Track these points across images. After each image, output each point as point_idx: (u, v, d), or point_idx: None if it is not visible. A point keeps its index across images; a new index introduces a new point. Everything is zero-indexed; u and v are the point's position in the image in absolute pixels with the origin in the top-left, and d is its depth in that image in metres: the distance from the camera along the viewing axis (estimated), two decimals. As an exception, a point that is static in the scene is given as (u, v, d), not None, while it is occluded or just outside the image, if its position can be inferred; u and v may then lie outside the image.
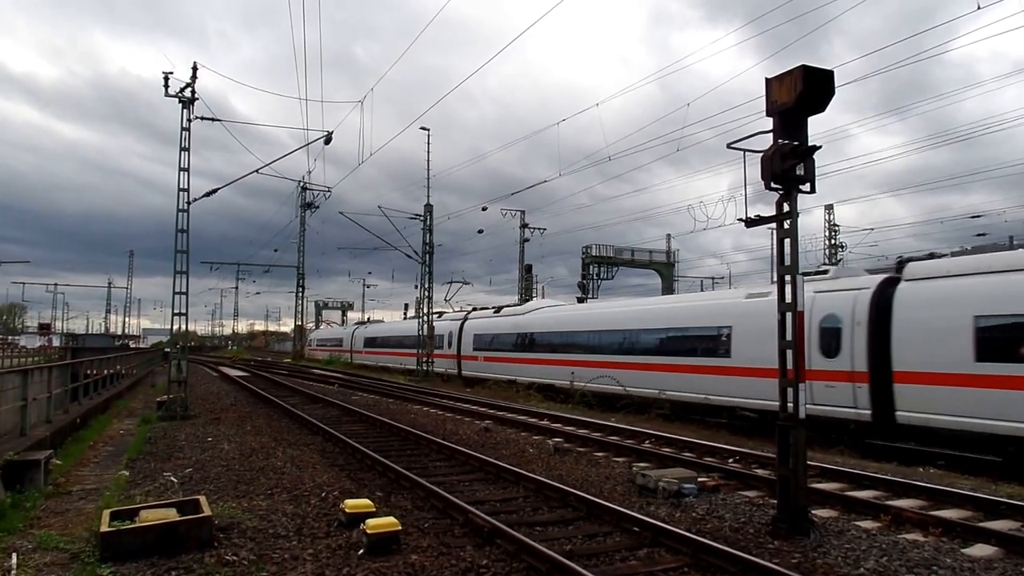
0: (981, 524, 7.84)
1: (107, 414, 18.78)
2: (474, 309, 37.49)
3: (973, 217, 38.42)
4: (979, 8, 12.30)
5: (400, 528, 7.00)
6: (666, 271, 52.96)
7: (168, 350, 31.78)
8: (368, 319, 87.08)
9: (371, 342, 53.09)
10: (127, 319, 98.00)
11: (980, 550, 7.05)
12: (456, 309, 51.99)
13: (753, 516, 8.29)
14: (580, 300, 42.93)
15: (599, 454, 12.81)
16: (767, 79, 7.90)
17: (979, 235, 37.61)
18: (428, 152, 38.40)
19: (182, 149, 18.84)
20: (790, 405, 7.62)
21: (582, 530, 7.69)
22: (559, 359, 25.39)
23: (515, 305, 34.81)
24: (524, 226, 50.57)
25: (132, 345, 66.57)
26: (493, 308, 34.91)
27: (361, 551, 6.71)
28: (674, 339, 19.94)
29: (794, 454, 7.50)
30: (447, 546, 6.98)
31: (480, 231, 49.81)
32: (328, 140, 21.10)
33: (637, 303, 24.94)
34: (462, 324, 35.15)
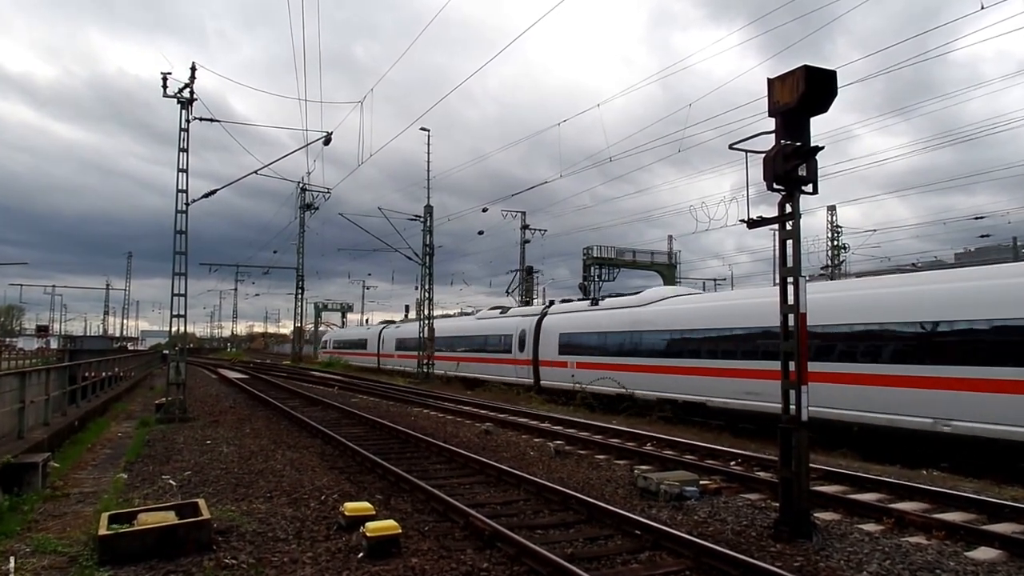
0: (984, 527, 7.80)
1: (105, 416, 18.71)
2: (551, 303, 30.53)
3: (976, 218, 38.22)
4: (983, 8, 12.26)
5: (400, 531, 6.95)
6: (668, 272, 52.90)
7: (166, 352, 31.73)
8: (362, 320, 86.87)
9: (406, 344, 44.47)
10: (125, 321, 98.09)
11: (983, 553, 7.01)
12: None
13: (755, 519, 8.24)
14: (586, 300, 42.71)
15: (600, 457, 12.77)
16: (769, 79, 7.87)
17: (983, 236, 37.49)
18: (428, 153, 38.37)
19: (181, 150, 18.80)
20: (792, 407, 7.59)
21: (583, 533, 7.64)
22: (725, 368, 17.88)
23: (613, 296, 26.91)
24: (525, 227, 50.54)
25: (130, 347, 66.52)
26: (586, 299, 27.68)
27: (361, 554, 6.67)
28: (951, 338, 12.91)
29: (796, 457, 7.46)
30: (447, 549, 6.94)
31: (480, 232, 49.61)
32: (327, 141, 21.06)
33: (857, 284, 17.80)
34: (539, 321, 27.68)
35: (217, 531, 7.26)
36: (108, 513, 7.24)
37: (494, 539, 7.07)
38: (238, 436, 14.94)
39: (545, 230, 51.47)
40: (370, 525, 6.84)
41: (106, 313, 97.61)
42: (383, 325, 54.40)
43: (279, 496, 9.25)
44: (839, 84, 7.62)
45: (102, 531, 6.64)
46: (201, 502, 7.64)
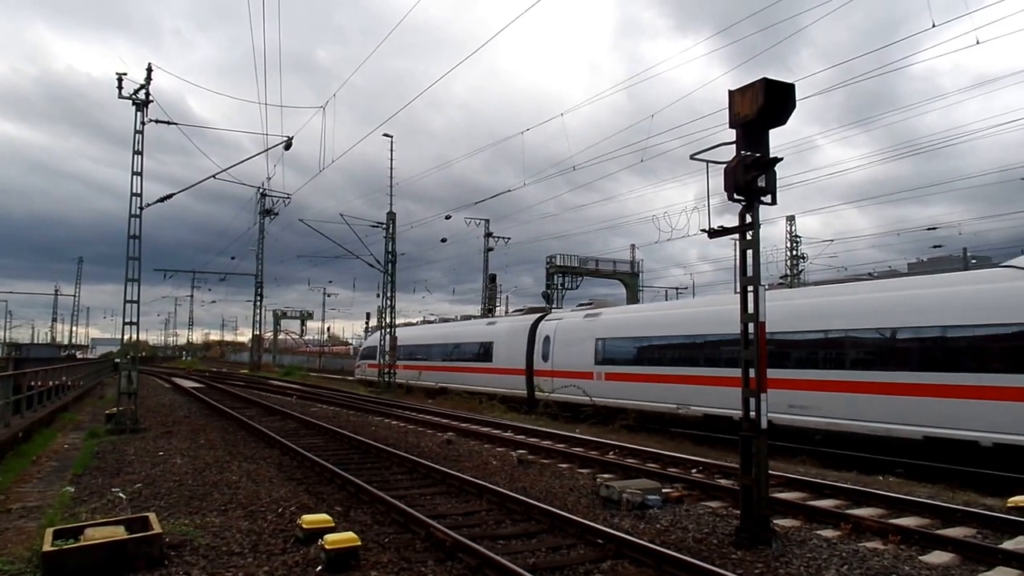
0: (938, 531, 7.99)
1: (52, 427, 18.06)
2: None
3: (929, 229, 39.31)
4: (934, 26, 12.71)
5: (360, 543, 6.82)
6: (630, 281, 53.43)
7: (118, 361, 30.84)
8: (323, 328, 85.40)
9: (627, 356, 21.14)
10: (75, 328, 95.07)
11: (937, 557, 7.16)
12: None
13: (717, 526, 8.30)
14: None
15: (563, 465, 12.74)
16: (730, 91, 7.99)
17: (935, 247, 38.59)
18: (391, 160, 38.15)
19: (135, 153, 18.33)
20: (752, 414, 7.67)
21: (546, 543, 7.60)
22: None
23: None
24: (488, 235, 50.50)
25: (80, 355, 64.57)
26: None
27: (319, 568, 6.52)
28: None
29: (756, 464, 7.53)
30: (408, 561, 6.83)
31: (443, 240, 49.37)
32: (288, 146, 20.76)
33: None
34: None
35: (169, 546, 7.03)
36: (53, 528, 6.94)
37: (455, 550, 6.97)
38: (192, 447, 14.54)
39: (509, 238, 51.43)
40: (329, 538, 6.69)
41: (54, 320, 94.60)
42: (536, 315, 27.05)
43: (234, 509, 9.01)
44: (802, 95, 7.79)
45: (46, 547, 6.35)
46: (152, 516, 7.39)
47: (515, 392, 25.73)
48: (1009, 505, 9.12)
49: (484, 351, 28.72)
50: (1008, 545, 7.48)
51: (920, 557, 7.15)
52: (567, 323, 24.10)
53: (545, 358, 24.34)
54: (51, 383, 22.04)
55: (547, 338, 24.53)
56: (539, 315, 26.72)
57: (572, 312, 25.41)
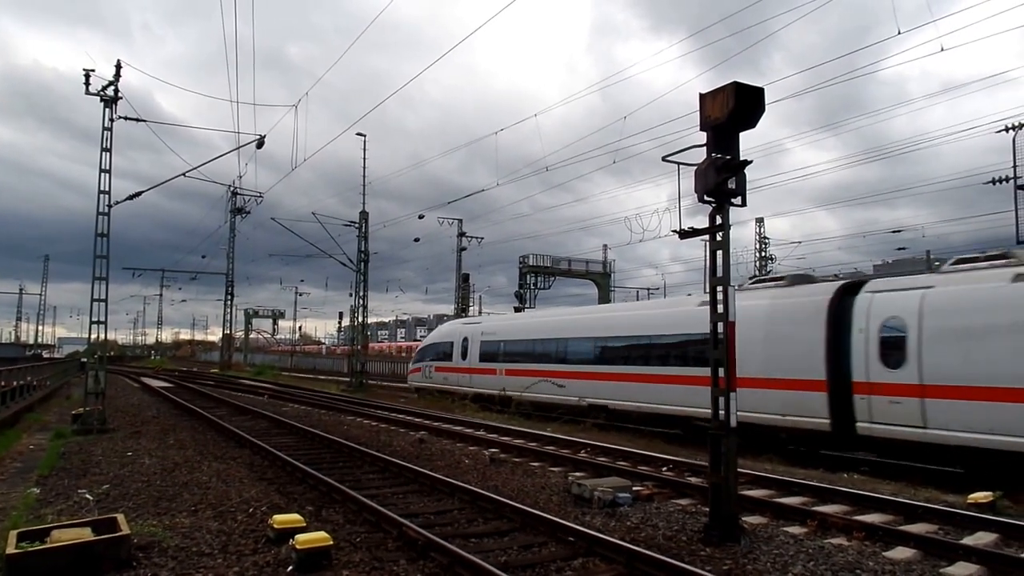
0: (901, 528, 8.17)
1: (16, 428, 17.68)
2: None
3: (894, 232, 39.99)
4: (899, 33, 13.01)
5: (331, 543, 6.80)
6: (602, 281, 53.73)
7: (85, 360, 30.23)
8: (295, 328, 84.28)
9: None
10: (40, 327, 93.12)
11: (900, 553, 7.33)
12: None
13: (686, 524, 8.41)
14: (518, 309, 42.65)
15: (535, 464, 12.80)
16: (701, 95, 8.10)
17: (900, 249, 39.38)
18: (364, 159, 38.02)
19: (103, 150, 18.01)
20: (721, 414, 7.79)
21: (517, 541, 7.65)
22: None
23: None
24: (462, 235, 50.42)
25: (45, 355, 63.23)
26: None
27: (290, 568, 6.50)
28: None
29: (725, 462, 7.66)
30: (380, 560, 6.83)
31: (416, 239, 49.23)
32: (260, 144, 20.52)
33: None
34: None
35: (137, 547, 6.96)
36: (17, 531, 6.83)
37: (427, 549, 6.99)
38: (161, 447, 14.35)
39: (482, 238, 51.35)
40: (300, 537, 6.67)
41: (19, 319, 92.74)
42: (835, 285, 14.38)
43: (204, 509, 8.92)
44: (773, 99, 7.93)
45: (10, 550, 6.24)
46: (120, 517, 7.30)
47: (792, 419, 14.08)
48: (969, 502, 9.36)
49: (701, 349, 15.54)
50: (968, 540, 7.70)
51: (883, 553, 7.32)
52: (963, 296, 11.78)
53: (890, 362, 12.58)
54: (15, 383, 21.58)
55: (892, 326, 12.64)
56: (840, 284, 14.55)
57: (961, 272, 12.51)
